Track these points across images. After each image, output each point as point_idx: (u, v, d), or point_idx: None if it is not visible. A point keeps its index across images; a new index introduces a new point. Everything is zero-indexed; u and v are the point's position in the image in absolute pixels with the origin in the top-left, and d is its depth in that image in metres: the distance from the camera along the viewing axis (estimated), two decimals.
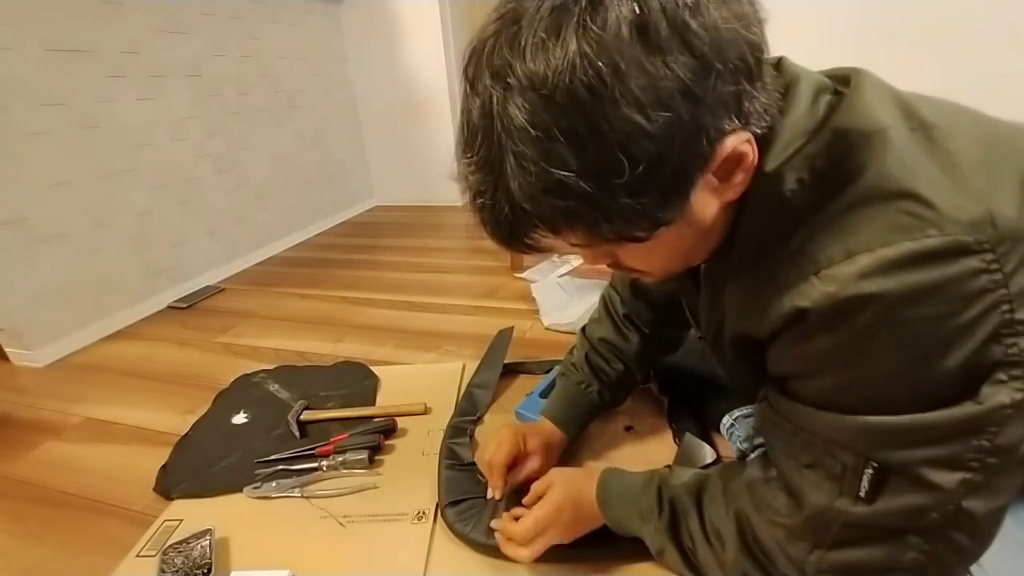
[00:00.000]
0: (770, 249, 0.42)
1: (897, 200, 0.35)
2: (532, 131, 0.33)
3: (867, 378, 0.38)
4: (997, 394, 0.35)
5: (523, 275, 1.76)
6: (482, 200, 0.39)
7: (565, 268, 1.77)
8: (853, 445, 0.40)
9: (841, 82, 0.42)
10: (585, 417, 0.87)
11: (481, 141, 0.36)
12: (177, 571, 0.70)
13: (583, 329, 0.91)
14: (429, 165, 2.86)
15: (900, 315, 0.35)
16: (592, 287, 1.55)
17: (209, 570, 0.70)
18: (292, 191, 2.37)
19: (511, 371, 1.16)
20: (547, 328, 1.38)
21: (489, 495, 0.77)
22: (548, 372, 1.12)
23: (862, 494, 0.41)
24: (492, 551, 0.72)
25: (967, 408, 0.35)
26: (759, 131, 0.38)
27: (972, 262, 0.33)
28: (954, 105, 0.42)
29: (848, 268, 0.36)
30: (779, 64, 0.43)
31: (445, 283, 1.78)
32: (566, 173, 0.33)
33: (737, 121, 0.36)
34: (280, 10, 2.22)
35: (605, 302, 0.89)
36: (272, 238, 2.25)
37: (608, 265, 0.49)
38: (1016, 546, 0.45)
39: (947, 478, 0.37)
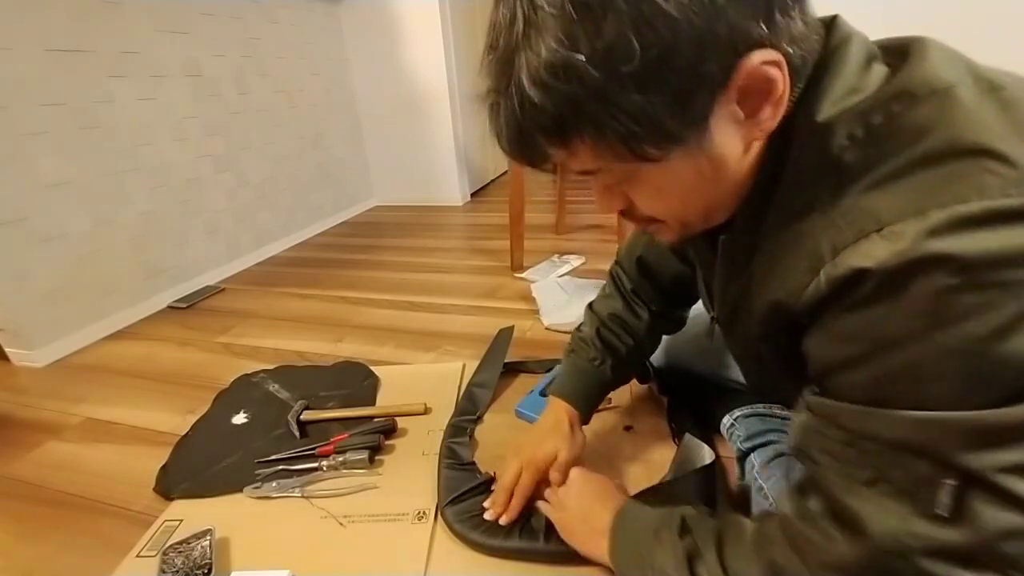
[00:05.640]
0: (812, 209, 0.38)
1: (973, 157, 0.31)
2: (548, 8, 0.33)
3: (936, 358, 0.32)
4: None
5: (523, 275, 1.76)
6: (495, 99, 0.38)
7: (565, 268, 1.77)
8: (929, 448, 0.33)
9: (896, 53, 0.39)
10: (598, 395, 0.84)
11: (502, 36, 0.36)
12: (177, 571, 0.70)
13: (590, 305, 0.88)
14: (429, 165, 2.87)
15: (976, 279, 0.30)
16: (592, 287, 1.55)
17: (209, 570, 0.70)
18: (292, 191, 2.37)
19: (511, 370, 1.16)
20: (547, 328, 1.38)
21: (490, 515, 0.75)
22: (548, 371, 1.12)
23: (943, 512, 0.33)
24: (492, 551, 0.72)
25: None
26: (792, 55, 0.36)
27: None
28: (1014, 73, 0.39)
29: (920, 224, 0.31)
30: (833, 21, 0.41)
31: (445, 283, 1.78)
32: (577, 55, 0.33)
33: (766, 29, 0.33)
34: (280, 10, 2.22)
35: (613, 277, 0.87)
36: (272, 238, 2.25)
37: (621, 213, 0.47)
38: None
39: None
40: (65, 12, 1.41)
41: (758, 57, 0.34)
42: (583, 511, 0.66)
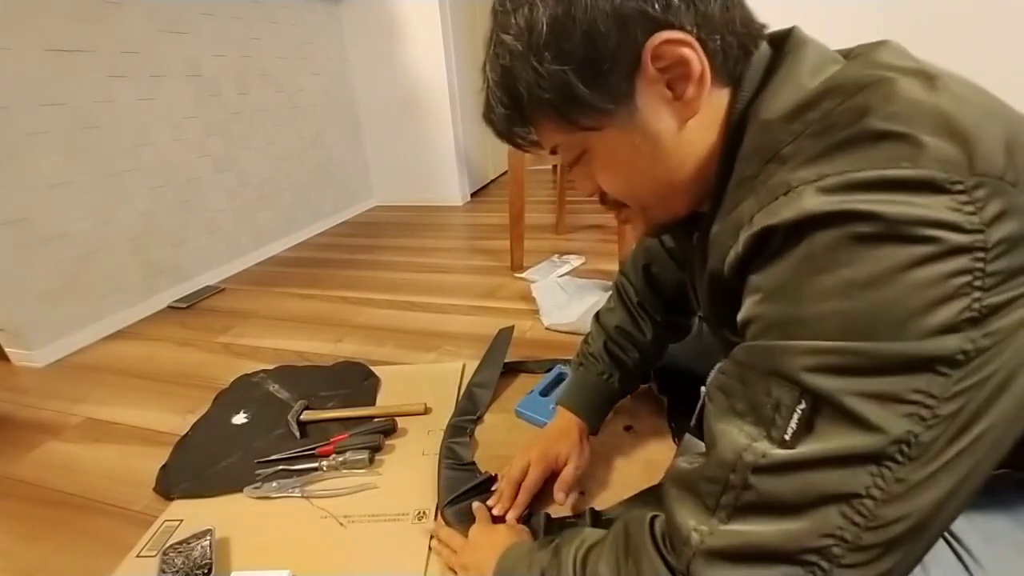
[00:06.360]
0: (749, 195, 0.40)
1: (883, 139, 0.34)
2: (500, 7, 0.43)
3: (818, 298, 0.34)
4: (951, 339, 0.31)
5: (523, 275, 1.76)
6: (484, 95, 0.47)
7: (565, 268, 1.77)
8: (790, 373, 0.34)
9: (853, 56, 0.42)
10: (607, 407, 0.87)
11: (484, 52, 0.46)
12: (177, 571, 0.70)
13: (597, 316, 0.90)
14: (429, 165, 2.87)
15: (859, 234, 0.33)
16: (592, 287, 1.55)
17: (209, 570, 0.70)
18: (292, 191, 2.37)
19: (511, 370, 1.16)
20: (547, 328, 1.38)
21: (498, 510, 0.76)
22: (548, 371, 1.12)
23: (787, 436, 0.34)
24: None
25: (921, 344, 0.32)
26: (706, 39, 0.40)
27: (940, 199, 0.32)
28: (955, 73, 0.40)
29: (815, 184, 0.34)
30: (790, 31, 0.44)
31: (445, 283, 1.79)
32: (509, 36, 0.42)
33: (660, 11, 0.39)
34: (280, 10, 2.22)
35: (619, 290, 0.89)
36: (272, 238, 2.26)
37: (601, 201, 0.52)
38: (1015, 546, 0.45)
39: (890, 419, 0.32)
40: (65, 12, 1.41)
41: (662, 36, 0.39)
42: (478, 566, 0.65)
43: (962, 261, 0.31)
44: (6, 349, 1.41)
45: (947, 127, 0.33)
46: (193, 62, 1.82)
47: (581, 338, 0.91)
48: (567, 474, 0.78)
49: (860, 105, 0.35)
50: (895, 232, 0.32)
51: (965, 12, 1.84)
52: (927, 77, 0.36)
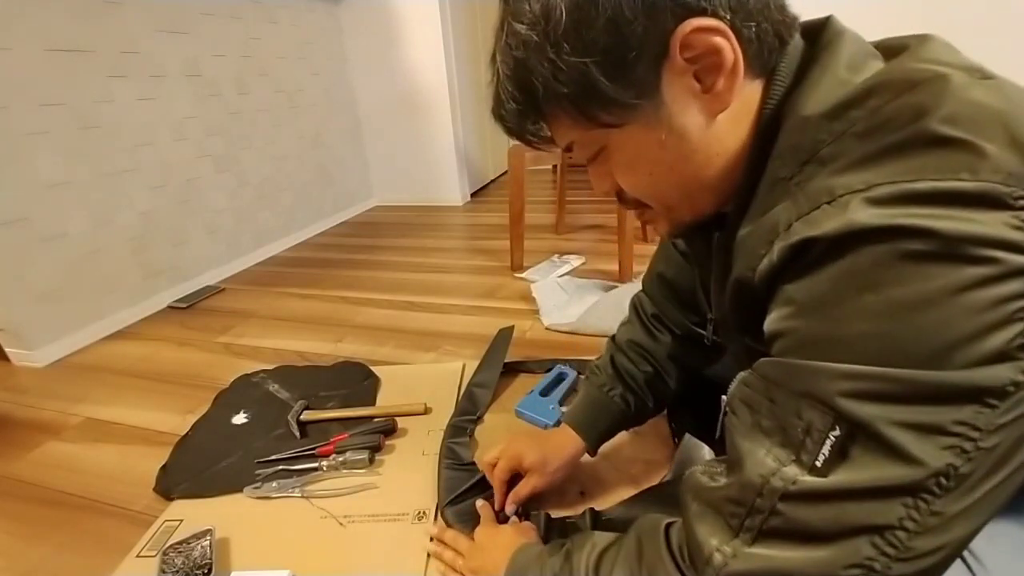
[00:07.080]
0: (785, 196, 0.38)
1: (941, 146, 0.31)
2: (512, 1, 0.40)
3: (858, 317, 0.32)
4: (1001, 369, 0.30)
5: (523, 275, 1.76)
6: (494, 89, 0.44)
7: (565, 268, 1.77)
8: (825, 397, 0.33)
9: (895, 51, 0.39)
10: (608, 424, 0.79)
11: (494, 41, 0.43)
12: (177, 571, 0.70)
13: (612, 336, 0.85)
14: (429, 165, 2.87)
15: (910, 251, 0.30)
16: (592, 287, 1.55)
17: (209, 570, 0.70)
18: (292, 191, 2.37)
19: (511, 370, 1.16)
20: (547, 328, 1.38)
21: (508, 508, 0.77)
22: (548, 371, 1.12)
23: (818, 463, 0.33)
24: None
25: (969, 374, 0.30)
26: (739, 27, 0.37)
27: (1001, 215, 0.29)
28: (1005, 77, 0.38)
29: (866, 195, 0.32)
30: (827, 21, 0.41)
31: (445, 283, 1.79)
32: (523, 25, 0.39)
33: None
34: (280, 10, 2.22)
35: (634, 305, 0.84)
36: (272, 238, 2.26)
37: (619, 200, 0.49)
38: (1018, 546, 0.45)
39: (930, 451, 0.30)
40: (65, 12, 1.41)
41: (693, 23, 0.36)
42: (488, 570, 0.64)
43: (1019, 284, 0.29)
44: (6, 349, 1.41)
45: (1010, 134, 0.31)
46: (193, 62, 1.82)
47: (580, 338, 0.90)
48: (519, 489, 0.76)
49: (915, 104, 0.33)
50: (951, 251, 0.29)
51: (968, 14, 1.84)
52: (984, 76, 0.34)
